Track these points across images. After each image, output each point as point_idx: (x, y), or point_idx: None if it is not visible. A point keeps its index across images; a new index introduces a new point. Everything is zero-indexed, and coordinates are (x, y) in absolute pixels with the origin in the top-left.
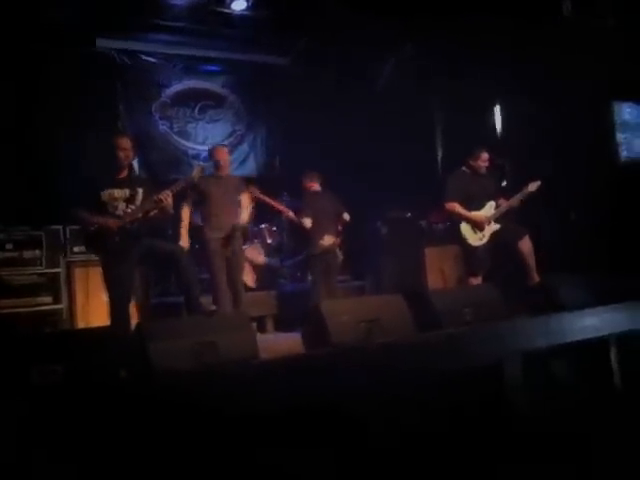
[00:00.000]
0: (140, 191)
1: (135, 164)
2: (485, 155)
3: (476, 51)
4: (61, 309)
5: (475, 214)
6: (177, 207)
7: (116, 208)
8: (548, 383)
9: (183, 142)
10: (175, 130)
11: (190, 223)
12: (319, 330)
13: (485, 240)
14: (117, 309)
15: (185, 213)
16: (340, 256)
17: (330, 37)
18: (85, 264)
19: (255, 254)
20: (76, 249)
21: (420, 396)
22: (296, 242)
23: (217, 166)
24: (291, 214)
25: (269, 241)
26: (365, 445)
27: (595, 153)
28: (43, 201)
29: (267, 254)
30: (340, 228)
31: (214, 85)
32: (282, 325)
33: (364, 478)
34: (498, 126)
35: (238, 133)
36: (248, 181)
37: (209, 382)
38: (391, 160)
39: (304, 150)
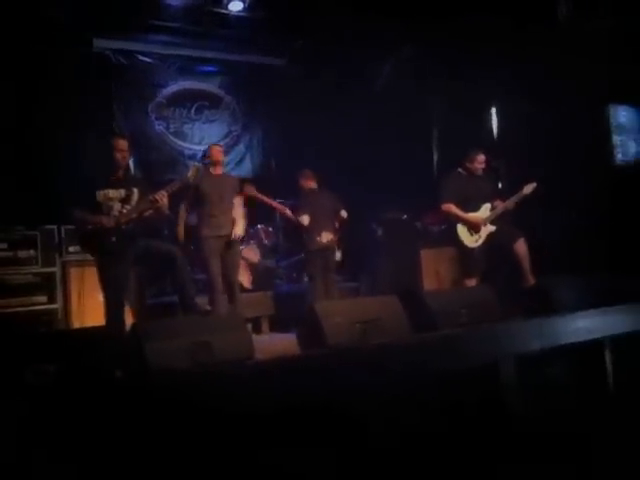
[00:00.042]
0: (135, 191)
1: (131, 164)
2: (482, 157)
3: (474, 53)
4: (56, 309)
5: (471, 215)
6: (173, 207)
7: (111, 208)
8: (543, 384)
9: (179, 142)
10: (171, 130)
11: (185, 224)
12: (314, 331)
13: (481, 242)
14: (112, 310)
15: (182, 211)
16: (338, 254)
17: (327, 38)
18: (80, 264)
19: (251, 254)
20: (71, 249)
21: (416, 397)
22: (292, 243)
23: (212, 165)
24: (288, 212)
25: (265, 242)
26: (361, 446)
27: (591, 156)
28: (38, 201)
29: (263, 255)
30: (338, 225)
31: (210, 86)
32: (277, 326)
33: (360, 477)
34: (494, 128)
35: (234, 134)
36: (244, 180)
37: (204, 382)
38: (387, 161)
39: (300, 151)
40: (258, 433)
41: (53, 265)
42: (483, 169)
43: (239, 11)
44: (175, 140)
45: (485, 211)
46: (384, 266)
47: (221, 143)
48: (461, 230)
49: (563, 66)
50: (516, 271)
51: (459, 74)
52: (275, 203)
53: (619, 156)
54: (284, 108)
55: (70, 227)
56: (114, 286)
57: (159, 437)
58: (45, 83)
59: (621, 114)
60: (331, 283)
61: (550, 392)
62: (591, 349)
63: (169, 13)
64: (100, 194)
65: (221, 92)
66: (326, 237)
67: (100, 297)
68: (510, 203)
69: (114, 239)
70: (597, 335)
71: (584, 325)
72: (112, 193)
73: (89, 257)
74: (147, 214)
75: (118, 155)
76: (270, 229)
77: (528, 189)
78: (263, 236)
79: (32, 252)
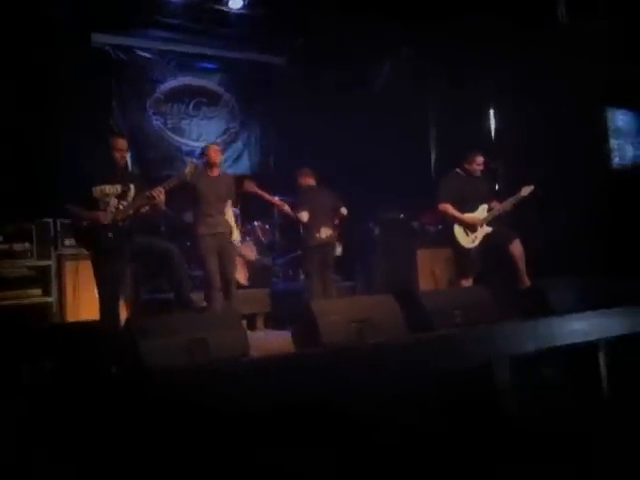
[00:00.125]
0: (132, 187)
1: (128, 160)
2: (480, 159)
3: (472, 54)
4: (51, 302)
5: (468, 216)
6: (169, 204)
7: (108, 204)
8: (537, 385)
9: (177, 138)
10: (169, 126)
11: (182, 222)
12: (310, 329)
13: (477, 242)
14: (107, 306)
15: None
16: (339, 249)
17: (326, 37)
18: (76, 257)
19: (248, 251)
20: (67, 242)
21: (411, 397)
22: (288, 240)
23: (209, 164)
24: (287, 208)
25: (262, 239)
26: (356, 445)
27: (588, 159)
28: (34, 194)
29: (259, 252)
30: (337, 222)
31: (209, 82)
32: (273, 323)
33: (358, 476)
34: (492, 129)
35: (232, 131)
36: (245, 177)
37: (200, 379)
38: (385, 161)
39: (298, 150)
40: (253, 431)
41: (48, 258)
42: (481, 170)
43: (239, 8)
44: (173, 136)
45: (482, 212)
46: (380, 265)
47: (219, 140)
48: (458, 230)
49: (561, 68)
50: (512, 272)
51: (458, 75)
52: (275, 199)
53: (616, 160)
54: (283, 106)
55: (66, 221)
56: (109, 283)
57: (154, 434)
58: (43, 79)
59: (619, 118)
60: (329, 282)
61: (544, 393)
62: (586, 351)
63: (169, 9)
64: (97, 190)
65: (220, 89)
66: (325, 233)
67: (95, 291)
68: (507, 204)
69: (110, 235)
70: (592, 337)
71: (579, 327)
72: (109, 189)
73: (84, 251)
74: (144, 210)
75: (117, 155)
76: (267, 226)
77: (525, 191)
78: (260, 233)
79: (27, 245)
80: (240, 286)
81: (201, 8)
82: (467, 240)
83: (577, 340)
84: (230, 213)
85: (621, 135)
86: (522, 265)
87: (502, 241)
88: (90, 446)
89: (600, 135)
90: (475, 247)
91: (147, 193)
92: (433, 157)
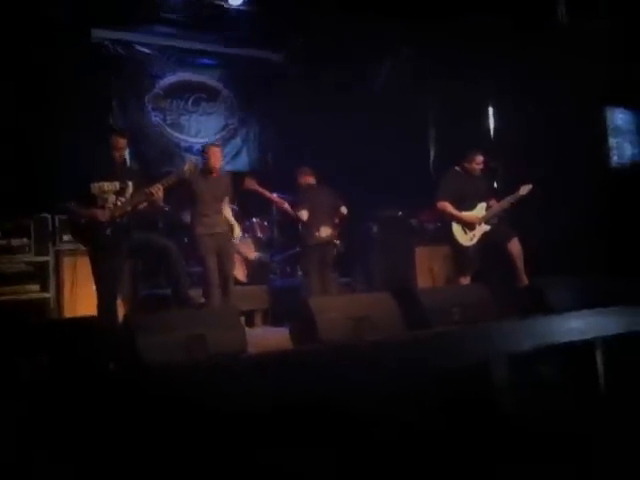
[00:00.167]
0: (130, 184)
1: (127, 156)
2: (480, 158)
3: (472, 53)
4: (49, 298)
5: (466, 214)
6: (168, 200)
7: (106, 201)
8: (535, 384)
9: (176, 134)
10: (168, 122)
11: (180, 218)
12: (307, 326)
13: (475, 240)
14: (104, 302)
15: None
16: (339, 247)
17: (326, 35)
18: (74, 253)
19: (246, 248)
20: (65, 238)
21: (409, 394)
22: (287, 237)
23: (209, 166)
24: (287, 207)
25: (260, 235)
26: (353, 442)
27: (587, 158)
28: (32, 190)
29: (257, 249)
30: (337, 221)
31: (208, 78)
32: (271, 320)
33: (355, 475)
34: (491, 128)
35: (231, 127)
36: (245, 174)
37: (197, 375)
38: (383, 159)
39: (297, 147)
40: (250, 428)
41: (46, 254)
42: (481, 170)
43: (238, 5)
44: (172, 132)
45: (481, 210)
46: (379, 263)
47: (218, 136)
48: (456, 228)
49: (561, 67)
50: (510, 270)
51: (457, 74)
52: (275, 197)
53: (615, 158)
54: (282, 103)
55: (64, 217)
56: (107, 279)
57: (152, 431)
58: (42, 75)
59: (618, 116)
60: (329, 280)
61: (542, 391)
62: (583, 349)
63: (169, 5)
64: (95, 187)
65: (219, 85)
66: (325, 232)
67: (93, 287)
68: (506, 203)
69: (108, 232)
70: (589, 336)
71: (577, 325)
72: (107, 186)
73: (83, 247)
74: (142, 207)
75: (116, 154)
76: (265, 223)
77: (524, 190)
78: (258, 230)
79: (25, 240)
80: (238, 283)
81: (201, 4)
82: (465, 238)
83: (574, 338)
84: (228, 210)
85: (620, 134)
86: (520, 263)
87: (500, 239)
88: (87, 443)
89: (599, 134)
90: (473, 245)
91: (145, 190)
92: (432, 155)
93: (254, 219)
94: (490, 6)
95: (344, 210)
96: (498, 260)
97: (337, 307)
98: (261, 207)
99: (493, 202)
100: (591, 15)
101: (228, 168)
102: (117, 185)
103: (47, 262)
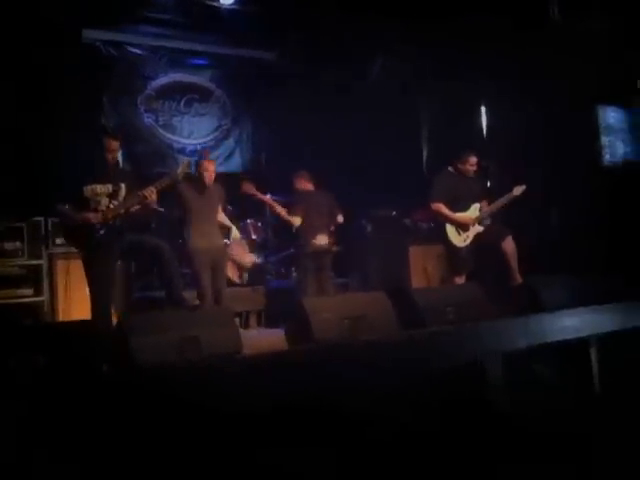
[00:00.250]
0: (123, 186)
1: (119, 157)
2: (474, 159)
3: (465, 53)
4: (42, 301)
5: (460, 215)
6: (161, 200)
7: (99, 203)
8: (529, 382)
9: (168, 135)
10: (160, 123)
11: (174, 218)
12: (302, 326)
13: (469, 241)
14: (98, 305)
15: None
16: (334, 250)
17: (320, 35)
18: (67, 256)
19: (240, 251)
20: (58, 241)
21: (403, 393)
22: (281, 238)
23: (202, 180)
24: (282, 211)
25: (254, 237)
26: (349, 442)
27: (579, 156)
28: (25, 193)
29: (252, 250)
30: (333, 229)
31: (201, 79)
32: (266, 321)
33: (348, 473)
34: (484, 127)
35: (224, 127)
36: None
37: (192, 377)
38: (377, 158)
39: (291, 147)
40: (246, 429)
41: (39, 257)
42: (474, 171)
43: (230, 4)
44: (164, 133)
45: (474, 211)
46: (373, 262)
47: (211, 137)
48: (450, 229)
49: (553, 67)
50: (504, 269)
51: (450, 74)
52: (269, 200)
53: (607, 157)
54: (275, 103)
55: (57, 220)
56: (101, 282)
57: (146, 432)
58: (33, 77)
59: (610, 115)
60: (326, 284)
61: (536, 389)
62: (577, 347)
63: (160, 5)
64: (87, 189)
65: (211, 85)
66: (322, 239)
67: (87, 290)
68: (499, 204)
69: (101, 234)
70: (584, 333)
71: (571, 323)
72: (100, 188)
73: (75, 249)
74: (135, 209)
75: (109, 156)
76: (259, 224)
77: (518, 191)
78: (252, 231)
79: (18, 244)
80: (233, 284)
81: (192, 4)
82: (459, 239)
83: (569, 336)
84: (222, 215)
85: (612, 132)
86: (514, 262)
87: (494, 239)
88: (81, 444)
89: (591, 132)
90: (467, 246)
91: (139, 193)
92: (425, 154)
93: (248, 220)
94: (483, 6)
95: (340, 219)
96: (492, 259)
97: (331, 307)
98: (255, 208)
99: (485, 203)
100: (583, 15)
101: (221, 169)
102: (110, 187)
103: (40, 265)
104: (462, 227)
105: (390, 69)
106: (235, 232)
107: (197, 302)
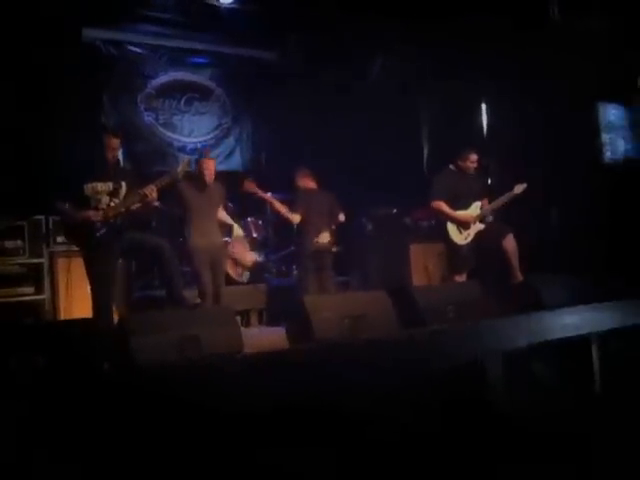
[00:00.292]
0: (124, 184)
1: (120, 156)
2: (474, 156)
3: (466, 52)
4: (43, 300)
5: (460, 214)
6: (162, 198)
7: (99, 202)
8: (530, 380)
9: (169, 134)
10: (161, 122)
11: (174, 216)
12: (303, 325)
13: (470, 239)
14: (99, 303)
15: None
16: (335, 249)
17: (320, 34)
18: (68, 254)
19: (241, 249)
20: (59, 239)
21: (404, 392)
22: (281, 237)
23: (202, 179)
24: (283, 210)
25: (255, 235)
26: (349, 441)
27: (580, 154)
28: (26, 191)
29: (253, 248)
30: (334, 227)
31: (201, 77)
32: (267, 319)
33: (348, 473)
34: (484, 126)
35: (224, 126)
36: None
37: (193, 376)
38: (377, 157)
39: (291, 146)
40: (246, 428)
41: (40, 256)
42: (475, 168)
43: (230, 3)
44: (164, 131)
45: (475, 209)
46: (374, 261)
47: (211, 135)
48: (451, 228)
49: (553, 66)
50: (505, 268)
51: (450, 74)
52: (269, 198)
53: (608, 154)
54: (275, 102)
55: (58, 218)
56: (101, 280)
57: (146, 431)
58: (32, 76)
59: (610, 112)
60: (327, 283)
61: (537, 388)
62: (578, 345)
63: (160, 4)
64: (88, 187)
65: (212, 84)
66: (324, 238)
67: (88, 288)
68: (500, 202)
69: (102, 233)
70: (584, 331)
71: (571, 321)
72: (100, 186)
73: (76, 248)
74: (135, 208)
75: (109, 154)
76: (260, 222)
77: (519, 189)
78: (253, 229)
79: (19, 242)
80: (233, 282)
81: (192, 3)
82: (460, 237)
83: (569, 334)
84: (223, 213)
85: (613, 130)
86: (515, 260)
87: (495, 237)
88: (81, 443)
89: (592, 130)
90: (468, 244)
91: (139, 191)
92: (426, 153)
93: (249, 218)
94: (483, 6)
95: (342, 218)
96: (493, 257)
97: (332, 306)
98: (256, 206)
99: (486, 201)
100: (583, 14)
101: (221, 168)
102: (110, 186)
103: (41, 264)
104: (463, 225)
105: (390, 69)
106: (237, 230)
107: (198, 301)
